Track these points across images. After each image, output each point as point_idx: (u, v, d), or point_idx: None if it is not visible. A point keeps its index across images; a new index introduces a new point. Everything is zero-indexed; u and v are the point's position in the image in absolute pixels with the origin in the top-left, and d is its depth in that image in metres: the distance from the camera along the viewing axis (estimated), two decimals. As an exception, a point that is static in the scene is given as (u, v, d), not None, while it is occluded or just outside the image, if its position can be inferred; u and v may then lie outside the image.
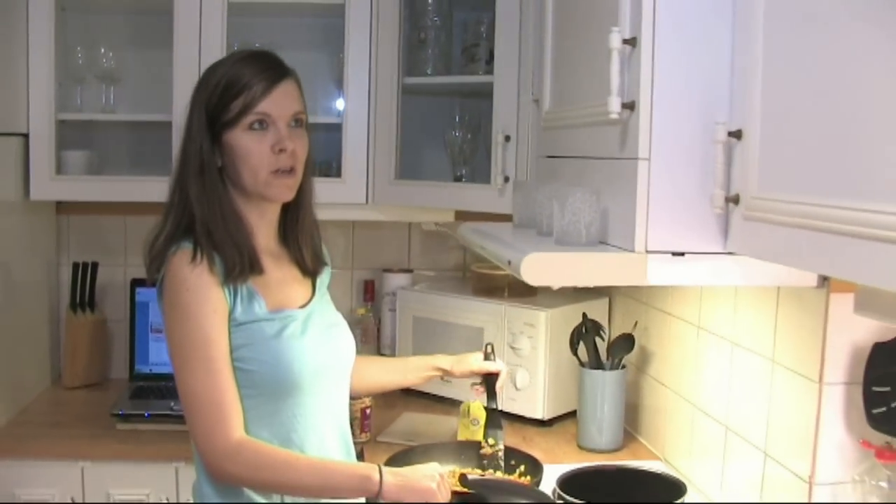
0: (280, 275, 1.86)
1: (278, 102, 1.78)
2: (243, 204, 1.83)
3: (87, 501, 2.53)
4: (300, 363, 1.78)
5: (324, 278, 1.98)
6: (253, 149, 1.77)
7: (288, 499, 1.79)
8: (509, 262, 1.61)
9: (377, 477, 1.72)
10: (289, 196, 1.84)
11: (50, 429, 2.65)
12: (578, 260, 1.59)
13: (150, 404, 2.71)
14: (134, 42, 3.04)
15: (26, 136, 2.79)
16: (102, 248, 3.15)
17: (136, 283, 3.02)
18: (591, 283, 1.70)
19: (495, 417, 2.18)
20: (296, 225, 1.91)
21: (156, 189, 2.73)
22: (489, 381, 2.20)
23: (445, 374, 2.23)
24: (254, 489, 1.76)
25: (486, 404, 2.21)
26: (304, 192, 1.88)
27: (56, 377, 3.10)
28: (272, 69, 1.80)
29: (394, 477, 1.74)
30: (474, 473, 1.97)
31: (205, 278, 1.72)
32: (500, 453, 2.16)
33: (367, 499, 1.81)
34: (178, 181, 1.82)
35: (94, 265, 3.05)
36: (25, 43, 2.76)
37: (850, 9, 1.14)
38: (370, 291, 3.18)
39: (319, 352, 1.84)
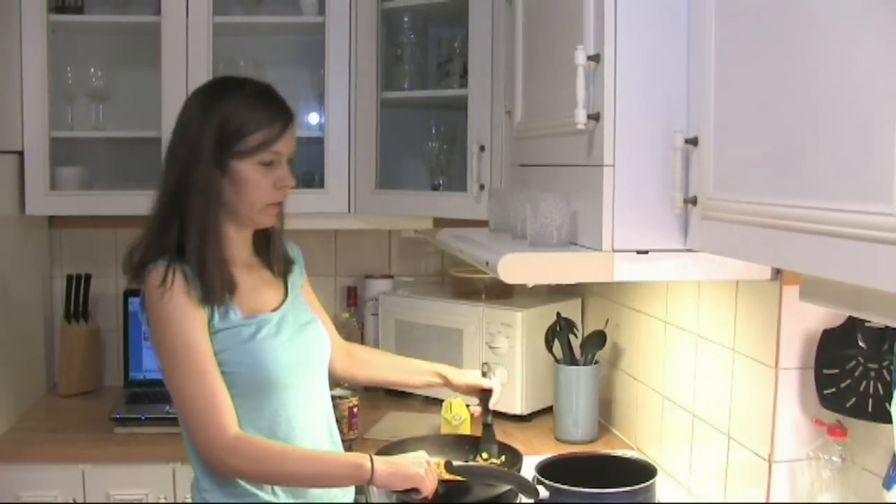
0: (252, 281, 1.97)
1: (287, 144, 1.91)
2: (227, 225, 1.92)
3: (88, 502, 2.63)
4: (275, 362, 1.89)
5: (295, 278, 2.08)
6: (260, 183, 1.88)
7: (280, 490, 1.90)
8: (487, 263, 1.75)
9: (369, 465, 1.84)
10: (272, 223, 1.97)
11: (50, 434, 2.76)
12: (551, 259, 1.73)
13: (145, 408, 2.82)
14: (121, 61, 3.14)
15: (21, 153, 2.89)
16: (94, 260, 3.25)
17: (129, 293, 3.13)
18: (562, 281, 1.83)
19: (489, 433, 2.28)
20: (267, 237, 2.03)
21: (145, 203, 2.84)
22: (485, 398, 2.30)
23: (446, 383, 2.31)
24: (252, 481, 1.87)
25: (483, 420, 2.30)
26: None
27: (51, 386, 3.20)
28: (285, 111, 1.92)
29: (384, 464, 1.87)
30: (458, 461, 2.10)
31: (181, 291, 1.82)
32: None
33: (358, 486, 1.93)
34: (173, 198, 1.88)
35: (87, 277, 3.16)
36: (19, 64, 2.86)
37: (793, 25, 1.28)
38: (353, 297, 3.30)
39: (293, 349, 1.94)
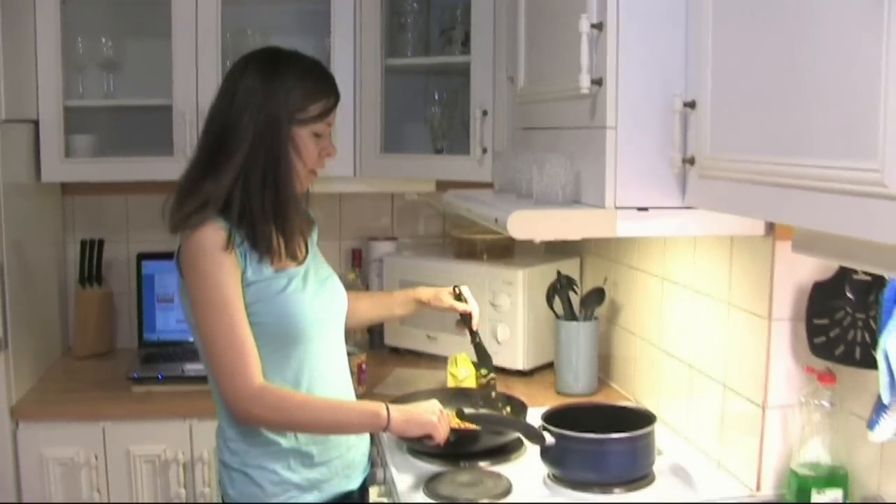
0: None
1: (335, 116, 2.04)
2: None
3: (108, 458, 2.74)
4: (303, 314, 1.99)
5: (313, 236, 2.19)
6: (312, 149, 1.99)
7: (302, 437, 2.00)
8: (496, 220, 1.84)
9: (385, 413, 1.95)
10: (307, 187, 2.08)
11: (69, 394, 2.86)
12: (557, 216, 1.83)
13: (161, 368, 2.92)
14: (130, 31, 3.21)
15: (36, 122, 2.97)
16: (106, 226, 3.35)
17: (142, 256, 3.24)
18: (568, 237, 1.93)
19: (481, 351, 2.37)
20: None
21: (156, 169, 2.98)
22: (466, 321, 2.37)
23: (424, 306, 2.39)
24: (275, 429, 1.97)
25: (471, 341, 2.38)
26: None
27: (66, 348, 3.30)
28: (336, 86, 2.04)
29: (399, 412, 1.97)
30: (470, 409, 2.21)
31: (221, 248, 1.90)
32: (494, 382, 2.38)
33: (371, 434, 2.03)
34: (244, 161, 1.92)
35: (101, 242, 3.25)
36: (33, 34, 2.93)
37: (781, 3, 1.38)
38: (357, 259, 3.40)
39: (318, 303, 2.05)
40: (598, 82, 1.79)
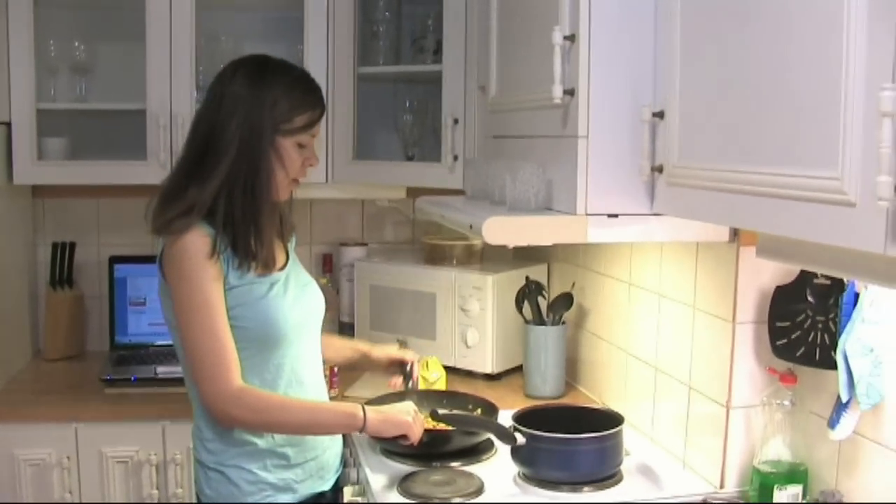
0: None
1: (320, 128, 2.09)
2: None
3: (80, 459, 2.75)
4: (284, 318, 2.03)
5: (292, 243, 2.23)
6: (295, 159, 2.03)
7: (278, 438, 2.03)
8: (471, 227, 1.89)
9: (361, 413, 2.00)
10: (287, 196, 2.10)
11: (42, 395, 2.87)
12: (530, 223, 1.88)
13: (133, 370, 2.94)
14: (103, 35, 3.23)
15: (8, 124, 2.98)
16: (76, 228, 3.36)
17: (114, 259, 3.26)
18: (540, 242, 1.98)
19: (419, 398, 2.37)
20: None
21: (128, 172, 3.00)
22: (405, 371, 2.40)
23: (364, 357, 2.44)
24: (254, 430, 2.01)
25: (409, 390, 2.39)
26: None
27: (36, 351, 3.31)
28: (322, 98, 2.08)
29: (375, 413, 2.02)
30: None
31: (205, 253, 1.93)
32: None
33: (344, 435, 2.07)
34: (228, 168, 1.95)
35: (73, 245, 3.26)
36: (6, 36, 2.94)
37: (750, 10, 1.45)
38: (328, 264, 3.44)
39: (298, 307, 2.09)
40: (570, 92, 1.85)
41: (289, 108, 1.99)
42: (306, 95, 2.04)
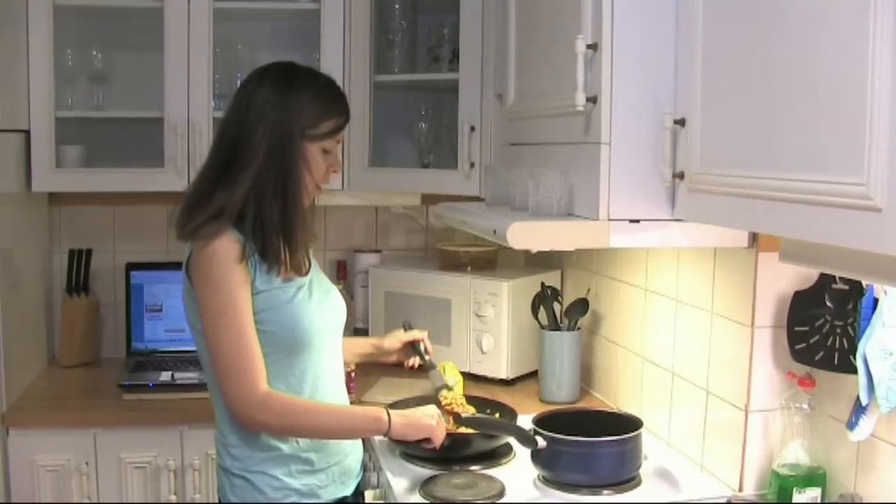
0: None
1: (343, 135, 2.13)
2: None
3: (98, 465, 2.77)
4: (310, 323, 2.05)
5: (311, 250, 2.24)
6: (320, 164, 2.06)
7: (302, 443, 2.05)
8: (495, 232, 1.92)
9: (386, 417, 2.02)
10: (310, 202, 2.12)
11: (60, 401, 2.90)
12: (554, 228, 1.91)
13: (151, 376, 2.96)
14: (120, 44, 3.26)
15: (27, 132, 3.01)
16: (92, 236, 3.38)
17: (131, 266, 3.29)
18: (564, 247, 2.01)
19: (436, 374, 2.41)
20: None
21: (145, 180, 3.04)
22: (417, 348, 2.43)
23: (377, 348, 2.48)
24: (280, 434, 2.02)
25: (426, 367, 2.43)
26: None
27: (51, 358, 3.33)
28: (347, 105, 2.12)
29: (400, 417, 2.05)
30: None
31: (234, 257, 1.95)
32: (460, 398, 2.38)
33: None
34: (257, 173, 1.97)
35: (89, 252, 3.29)
36: (26, 46, 2.97)
37: (772, 16, 1.47)
38: (343, 270, 3.47)
39: (322, 312, 2.11)
40: (592, 100, 1.88)
41: (316, 114, 2.02)
42: (333, 102, 2.07)
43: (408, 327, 2.48)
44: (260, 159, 1.97)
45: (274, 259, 1.99)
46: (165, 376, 2.93)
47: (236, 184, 1.97)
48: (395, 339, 2.46)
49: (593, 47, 1.87)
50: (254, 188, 1.97)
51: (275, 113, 1.99)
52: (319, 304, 2.10)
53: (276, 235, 1.99)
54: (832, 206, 1.32)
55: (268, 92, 2.01)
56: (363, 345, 2.51)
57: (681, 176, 1.80)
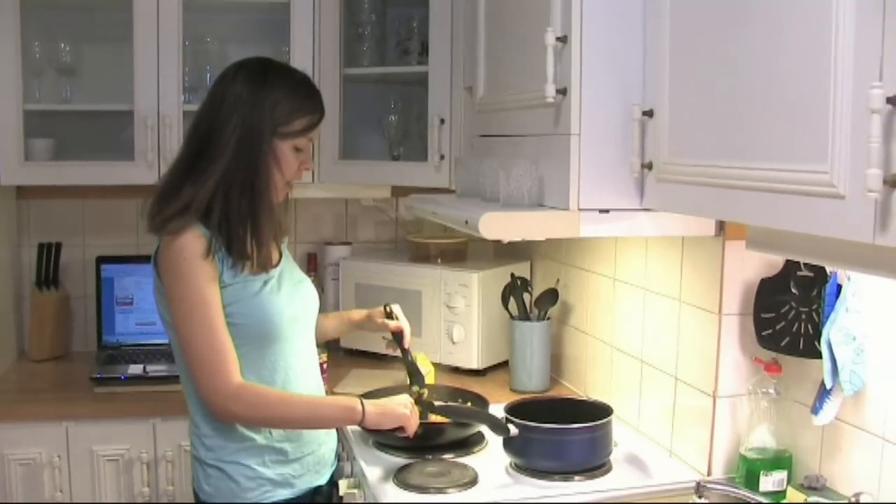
0: None
1: (317, 132, 2.12)
2: None
3: (70, 458, 2.76)
4: (279, 315, 2.06)
5: (284, 241, 2.25)
6: (292, 162, 2.06)
7: (276, 434, 2.07)
8: (467, 222, 1.94)
9: (360, 407, 2.04)
10: (282, 198, 2.13)
11: (31, 395, 2.88)
12: (525, 218, 1.94)
13: (122, 369, 2.95)
14: (87, 36, 3.24)
15: (-7, 126, 2.99)
16: (61, 229, 3.36)
17: (101, 259, 3.28)
18: (535, 237, 2.04)
19: (413, 368, 2.44)
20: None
21: (115, 173, 3.03)
22: (397, 339, 2.46)
23: (357, 327, 2.52)
24: (254, 425, 2.04)
25: (402, 358, 2.46)
26: None
27: (20, 351, 3.32)
28: (322, 103, 2.12)
29: (373, 406, 2.06)
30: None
31: (200, 253, 1.96)
32: (426, 395, 2.41)
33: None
34: (225, 168, 1.98)
35: (59, 245, 3.27)
36: (-8, 39, 2.94)
37: (738, 9, 1.51)
38: (313, 263, 3.48)
39: (292, 304, 2.12)
40: (562, 92, 1.90)
41: (288, 111, 2.03)
42: (307, 99, 2.07)
43: (390, 314, 2.47)
44: (229, 154, 1.99)
45: (239, 255, 2.00)
46: (137, 369, 2.92)
47: (204, 177, 1.98)
48: (375, 321, 2.48)
49: (563, 40, 1.90)
50: (221, 183, 1.98)
51: (246, 108, 2.00)
52: (289, 295, 2.11)
53: (243, 230, 2.00)
54: (797, 193, 1.36)
55: (241, 87, 2.01)
56: (340, 320, 2.55)
57: (649, 166, 1.83)
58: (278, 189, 2.08)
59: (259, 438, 2.06)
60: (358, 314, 2.54)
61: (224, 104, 2.01)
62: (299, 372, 2.13)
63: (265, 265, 2.06)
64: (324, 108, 2.12)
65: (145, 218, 2.04)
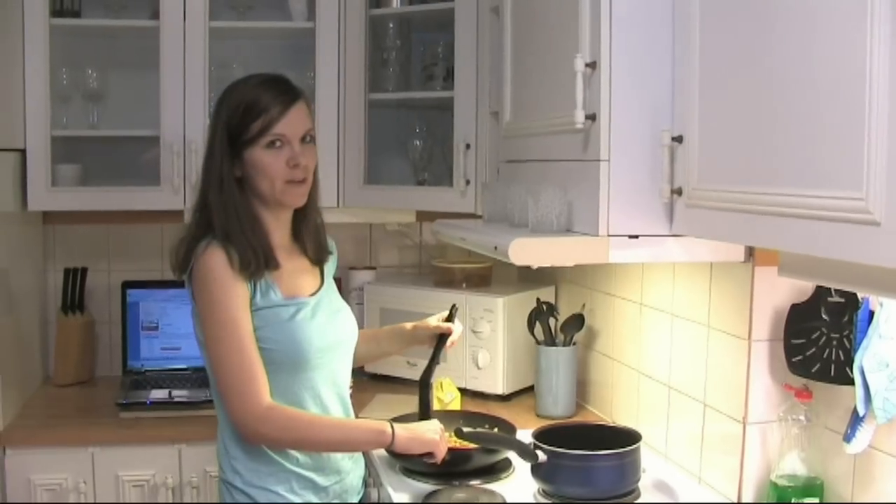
0: (292, 266, 2.14)
1: (292, 123, 2.04)
2: (261, 209, 2.09)
3: (96, 483, 2.77)
4: (308, 343, 2.06)
5: (330, 266, 2.26)
6: (271, 163, 2.03)
7: (304, 460, 2.06)
8: (496, 248, 1.94)
9: (390, 430, 2.03)
10: (301, 202, 2.11)
11: (57, 420, 2.89)
12: (555, 244, 1.93)
13: (149, 394, 2.96)
14: (115, 63, 3.28)
15: (23, 151, 3.01)
16: (87, 254, 3.39)
17: (127, 284, 3.29)
18: (564, 263, 2.04)
19: (423, 401, 2.34)
20: (303, 223, 2.18)
21: (140, 198, 3.05)
22: (442, 339, 2.38)
23: (409, 335, 2.42)
24: (283, 448, 2.03)
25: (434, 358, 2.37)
26: (311, 196, 2.15)
27: (46, 377, 3.33)
28: (286, 93, 2.06)
29: (404, 430, 2.06)
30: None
31: (229, 271, 1.98)
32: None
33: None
34: (201, 192, 2.08)
35: (84, 270, 3.29)
36: (22, 65, 2.98)
37: (768, 34, 1.50)
38: (338, 287, 3.47)
39: (326, 333, 2.12)
40: (591, 117, 1.90)
41: (240, 118, 2.02)
42: (255, 100, 2.02)
43: (453, 315, 2.40)
44: (209, 182, 2.05)
45: (247, 264, 2.00)
46: (162, 394, 2.93)
47: (206, 209, 2.06)
48: (427, 324, 2.40)
49: (592, 66, 1.90)
50: (207, 211, 2.05)
51: (212, 133, 2.07)
52: (324, 324, 2.11)
53: (245, 243, 2.02)
54: (831, 220, 1.34)
55: (213, 115, 2.11)
56: (394, 333, 2.46)
57: (679, 192, 1.82)
58: (277, 194, 2.06)
59: (287, 464, 2.05)
60: (409, 324, 2.46)
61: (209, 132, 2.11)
62: (328, 401, 2.12)
63: (258, 273, 2.02)
64: (287, 99, 2.04)
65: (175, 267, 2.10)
